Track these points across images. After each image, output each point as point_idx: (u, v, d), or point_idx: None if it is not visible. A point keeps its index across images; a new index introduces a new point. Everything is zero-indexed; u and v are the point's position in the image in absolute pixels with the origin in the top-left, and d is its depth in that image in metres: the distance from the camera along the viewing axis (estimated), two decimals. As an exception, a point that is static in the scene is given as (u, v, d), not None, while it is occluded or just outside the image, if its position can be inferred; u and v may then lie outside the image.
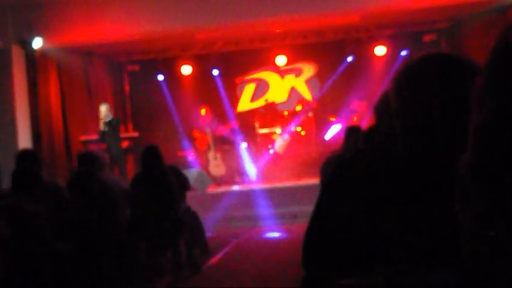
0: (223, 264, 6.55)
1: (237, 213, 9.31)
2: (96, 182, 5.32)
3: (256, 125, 11.67)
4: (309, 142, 11.49)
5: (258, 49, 11.87)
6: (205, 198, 9.56)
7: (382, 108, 1.97)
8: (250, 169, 11.30)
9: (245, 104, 12.66)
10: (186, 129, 11.90)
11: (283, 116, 11.70)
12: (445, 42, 11.42)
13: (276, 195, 9.56)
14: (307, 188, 8.77)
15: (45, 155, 9.01)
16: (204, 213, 7.46)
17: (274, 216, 9.13)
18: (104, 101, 10.14)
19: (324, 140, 11.40)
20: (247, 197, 9.72)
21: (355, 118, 11.14)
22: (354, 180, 1.61)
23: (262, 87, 12.55)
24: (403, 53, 11.37)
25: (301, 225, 2.67)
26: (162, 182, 5.80)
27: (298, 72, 12.50)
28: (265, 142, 11.57)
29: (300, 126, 11.53)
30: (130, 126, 11.99)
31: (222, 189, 10.52)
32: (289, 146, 11.40)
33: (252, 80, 12.61)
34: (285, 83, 12.55)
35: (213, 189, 10.52)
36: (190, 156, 11.76)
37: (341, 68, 11.88)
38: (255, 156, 11.53)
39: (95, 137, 9.68)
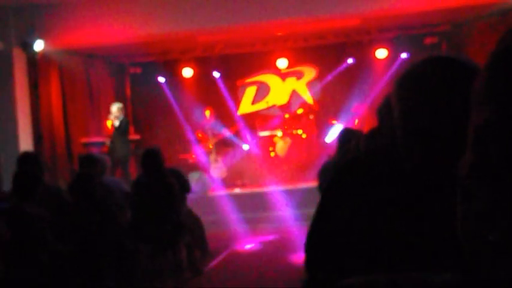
0: (224, 266, 6.55)
1: (238, 216, 9.31)
2: (97, 185, 5.32)
3: (258, 127, 11.67)
4: (310, 145, 11.49)
5: (259, 52, 11.89)
6: (206, 200, 9.55)
7: (384, 111, 1.97)
8: (250, 172, 11.30)
9: (246, 106, 12.66)
10: (187, 131, 11.89)
11: (284, 118, 11.70)
12: (446, 45, 11.42)
13: (277, 198, 9.56)
14: (308, 191, 8.77)
15: (47, 158, 9.02)
16: (205, 216, 7.45)
17: (275, 218, 9.13)
18: (105, 103, 10.16)
19: (325, 142, 11.39)
20: (248, 200, 9.72)
21: (356, 121, 11.13)
22: (355, 183, 1.61)
23: (263, 90, 12.55)
24: (404, 56, 11.37)
25: (302, 228, 2.67)
26: (163, 184, 5.80)
27: (299, 75, 12.50)
28: (267, 145, 11.57)
29: (301, 129, 11.53)
30: (131, 129, 11.99)
31: (223, 191, 10.51)
32: (290, 149, 11.40)
33: (253, 83, 12.61)
34: (286, 85, 12.55)
35: (214, 192, 10.52)
36: (192, 159, 11.77)
37: (342, 71, 11.88)
38: (256, 159, 11.53)
39: (96, 139, 9.69)
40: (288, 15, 9.21)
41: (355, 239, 1.08)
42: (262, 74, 12.55)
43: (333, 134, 11.34)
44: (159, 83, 12.02)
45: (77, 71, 10.36)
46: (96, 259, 4.77)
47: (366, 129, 6.74)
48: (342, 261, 1.08)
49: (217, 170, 11.30)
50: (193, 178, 10.11)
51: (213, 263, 6.66)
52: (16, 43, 8.96)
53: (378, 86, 11.22)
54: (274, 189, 10.08)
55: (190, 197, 6.82)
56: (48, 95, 9.63)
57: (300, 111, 11.79)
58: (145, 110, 12.20)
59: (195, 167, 11.42)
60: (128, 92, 12.30)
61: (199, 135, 11.62)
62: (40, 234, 4.23)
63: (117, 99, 11.66)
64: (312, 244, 1.69)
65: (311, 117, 11.63)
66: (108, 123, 9.40)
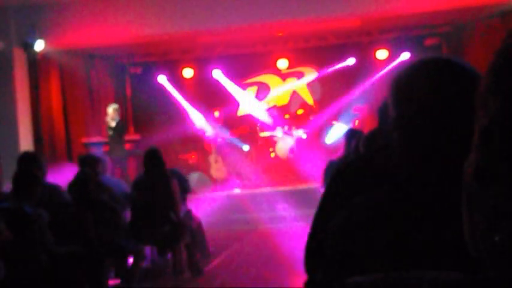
0: (223, 267, 6.55)
1: (238, 216, 9.31)
2: (97, 185, 5.33)
3: (258, 128, 11.67)
4: (310, 145, 11.49)
5: (260, 52, 11.88)
6: (206, 201, 9.55)
7: (384, 112, 1.97)
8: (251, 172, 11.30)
9: (247, 107, 12.65)
10: (188, 132, 11.88)
11: (284, 119, 11.70)
12: (446, 47, 11.42)
13: (277, 199, 9.56)
14: (308, 192, 8.78)
15: (47, 158, 9.02)
16: (205, 216, 7.46)
17: (275, 219, 9.13)
18: (106, 103, 10.15)
19: (325, 143, 11.40)
20: (248, 200, 9.72)
21: (356, 122, 11.14)
22: (354, 184, 1.61)
23: (263, 91, 12.55)
24: (405, 56, 11.38)
25: (302, 229, 2.67)
26: (163, 184, 5.80)
27: (299, 76, 12.50)
28: (267, 145, 11.57)
29: (301, 129, 11.52)
30: (131, 129, 11.99)
31: (223, 192, 10.51)
32: (290, 150, 11.40)
33: (254, 83, 12.61)
34: (286, 86, 12.55)
35: (213, 192, 10.52)
36: (192, 159, 11.77)
37: (342, 72, 11.88)
38: (256, 160, 11.53)
39: (96, 139, 9.69)
40: (288, 16, 9.21)
41: (355, 239, 1.07)
42: (262, 74, 12.55)
43: (333, 134, 11.34)
44: (159, 84, 12.02)
45: (78, 71, 10.35)
46: (95, 259, 4.77)
47: (366, 130, 6.74)
48: (341, 262, 1.08)
49: (217, 170, 11.30)
50: (193, 178, 10.11)
51: (213, 263, 6.66)
52: (16, 43, 8.96)
53: (378, 87, 11.21)
54: (274, 190, 10.08)
55: (190, 197, 6.82)
56: (49, 95, 9.63)
57: (300, 111, 11.79)
58: (146, 110, 12.19)
59: (195, 167, 11.42)
60: (128, 92, 12.30)
61: (207, 135, 11.60)
62: (39, 234, 4.23)
63: (118, 100, 11.65)
64: (312, 245, 1.69)
65: (311, 117, 11.63)
66: (107, 126, 9.40)
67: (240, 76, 12.40)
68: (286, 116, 11.75)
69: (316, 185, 7.65)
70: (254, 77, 12.55)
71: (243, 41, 11.30)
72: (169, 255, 6.13)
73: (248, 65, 12.18)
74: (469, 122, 0.65)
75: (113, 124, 9.31)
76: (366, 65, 11.68)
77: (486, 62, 0.65)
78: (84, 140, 9.86)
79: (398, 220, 1.02)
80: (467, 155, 0.63)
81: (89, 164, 5.84)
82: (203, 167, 11.35)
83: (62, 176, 5.91)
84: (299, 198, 9.11)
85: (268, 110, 11.96)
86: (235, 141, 11.70)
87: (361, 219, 1.08)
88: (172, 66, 12.05)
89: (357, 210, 1.11)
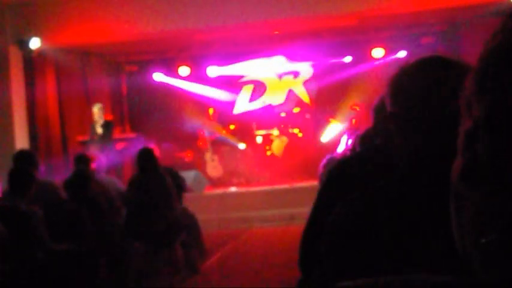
0: (220, 265, 6.55)
1: (234, 215, 9.31)
2: (93, 183, 5.32)
3: (254, 126, 11.67)
4: (306, 144, 11.50)
5: (256, 51, 11.87)
6: (202, 199, 9.55)
7: (379, 111, 1.97)
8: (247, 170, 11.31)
9: (243, 105, 12.65)
10: (184, 130, 11.88)
11: (280, 117, 11.70)
12: (442, 45, 11.43)
13: (273, 197, 9.56)
14: (304, 190, 8.78)
15: (42, 156, 8.99)
16: (201, 215, 7.45)
17: (271, 217, 9.13)
18: (101, 101, 10.12)
19: (321, 142, 11.41)
20: (244, 199, 9.72)
21: (353, 120, 11.15)
22: (350, 182, 1.61)
23: (259, 89, 12.55)
24: (401, 55, 11.39)
25: (298, 227, 2.67)
26: (159, 183, 5.80)
27: (295, 74, 12.50)
28: (263, 144, 11.57)
29: (297, 128, 11.53)
30: (127, 127, 11.97)
31: (219, 190, 10.51)
32: (287, 148, 11.41)
33: (250, 82, 12.61)
34: (282, 84, 12.55)
35: (210, 191, 10.51)
36: (188, 157, 11.76)
37: (339, 70, 11.88)
38: (252, 158, 11.53)
39: (92, 137, 9.65)
40: (284, 14, 9.20)
41: (351, 238, 1.07)
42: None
43: (329, 133, 11.35)
44: (155, 82, 12.01)
45: (73, 69, 10.33)
46: (91, 257, 4.76)
47: (362, 128, 6.75)
48: (336, 261, 1.08)
49: (213, 168, 11.29)
50: (189, 177, 10.10)
51: (210, 261, 6.66)
52: (12, 41, 8.93)
53: (374, 85, 11.22)
54: (270, 189, 10.08)
55: (186, 196, 6.81)
56: (44, 93, 9.60)
57: (296, 110, 11.79)
58: (141, 108, 12.17)
59: (191, 165, 11.41)
60: (124, 90, 12.28)
61: (201, 133, 11.60)
62: (35, 231, 4.22)
63: (113, 97, 11.64)
64: (306, 244, 1.69)
65: (307, 116, 11.64)
66: (96, 126, 9.34)
67: (236, 74, 12.39)
68: (283, 115, 11.75)
69: (312, 183, 7.66)
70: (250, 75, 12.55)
71: (239, 39, 11.29)
72: (165, 254, 6.13)
73: (244, 63, 12.17)
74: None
75: (100, 130, 9.24)
76: (362, 63, 11.69)
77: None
78: (80, 138, 9.84)
79: (393, 219, 1.02)
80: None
81: (84, 162, 5.83)
82: (199, 165, 11.34)
83: (57, 173, 5.91)
84: (295, 196, 9.11)
85: (264, 108, 11.96)
86: (231, 139, 11.70)
87: (357, 217, 1.08)
88: (168, 64, 12.03)
89: (353, 207, 1.11)
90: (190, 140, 11.84)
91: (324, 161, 5.61)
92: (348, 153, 4.45)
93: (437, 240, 0.92)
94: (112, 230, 5.28)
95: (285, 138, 11.43)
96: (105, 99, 10.73)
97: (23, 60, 9.09)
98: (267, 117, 11.80)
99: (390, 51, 11.47)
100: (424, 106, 1.08)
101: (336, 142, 8.18)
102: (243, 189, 10.44)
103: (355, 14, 9.56)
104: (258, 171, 11.35)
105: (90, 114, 9.68)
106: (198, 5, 9.06)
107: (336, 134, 10.88)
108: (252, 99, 12.60)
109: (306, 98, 12.40)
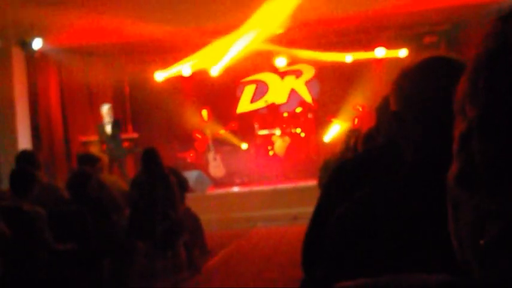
0: (222, 265, 6.55)
1: (237, 215, 9.31)
2: (95, 183, 5.32)
3: (256, 126, 11.67)
4: (308, 144, 11.49)
5: (258, 50, 11.85)
6: (205, 199, 9.55)
7: (382, 110, 1.97)
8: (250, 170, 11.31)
9: (245, 105, 12.65)
10: (185, 130, 11.88)
11: (282, 117, 11.70)
12: (445, 45, 11.41)
13: (276, 197, 9.56)
14: (307, 190, 8.78)
15: (45, 156, 9.01)
16: (204, 215, 7.45)
17: (273, 217, 9.13)
18: (104, 101, 10.14)
19: (324, 141, 11.40)
20: (246, 199, 9.72)
21: (355, 120, 11.14)
22: (351, 182, 1.61)
23: (262, 89, 12.55)
24: (403, 54, 11.37)
25: (301, 227, 2.67)
26: (162, 183, 5.80)
27: (298, 74, 12.50)
28: (265, 143, 11.57)
29: (299, 127, 11.52)
30: (130, 127, 11.99)
31: (222, 190, 10.51)
32: (289, 148, 11.40)
33: (252, 82, 12.61)
34: (284, 84, 12.55)
35: (212, 191, 10.52)
36: (190, 157, 11.77)
37: (341, 70, 11.86)
38: (255, 158, 11.53)
39: (94, 137, 9.68)
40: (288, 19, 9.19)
41: (353, 238, 1.07)
42: (261, 72, 12.53)
43: (331, 133, 11.35)
44: (157, 82, 12.01)
45: (76, 70, 10.34)
46: (94, 257, 4.77)
47: (365, 128, 6.74)
48: (339, 261, 1.08)
49: (215, 168, 11.30)
50: (191, 177, 10.11)
51: (212, 261, 6.66)
52: (15, 41, 8.95)
53: (377, 85, 11.21)
54: (273, 188, 10.08)
55: (188, 196, 6.81)
56: (47, 94, 9.62)
57: (298, 110, 11.78)
58: (144, 108, 12.18)
59: (194, 165, 11.41)
60: (127, 90, 12.29)
61: (197, 135, 11.62)
62: (38, 232, 4.23)
63: (116, 98, 11.65)
64: (309, 243, 1.69)
65: (310, 116, 11.63)
66: (104, 125, 9.38)
67: (238, 74, 12.39)
68: (285, 114, 11.74)
69: (315, 183, 7.65)
70: (252, 74, 12.54)
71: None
72: (168, 254, 6.13)
73: (247, 63, 12.16)
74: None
75: (110, 123, 9.29)
76: (365, 62, 11.67)
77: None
78: (82, 138, 9.86)
79: (394, 219, 1.02)
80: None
81: (87, 162, 5.84)
82: (202, 165, 11.35)
83: (59, 173, 5.91)
84: (298, 196, 9.11)
85: (267, 108, 11.96)
86: (233, 139, 11.70)
87: (358, 217, 1.08)
88: (171, 64, 12.02)
89: (355, 208, 1.10)
90: (193, 140, 11.85)
91: (322, 164, 5.60)
92: (349, 153, 4.45)
93: (437, 240, 0.92)
94: (115, 230, 5.28)
95: (287, 138, 11.43)
96: (107, 100, 10.74)
97: (26, 61, 9.10)
98: (269, 117, 11.79)
99: (393, 50, 11.45)
100: (426, 107, 1.08)
101: (337, 142, 8.18)
102: (245, 189, 10.44)
103: (358, 13, 9.54)
104: (260, 171, 11.35)
105: (92, 114, 9.70)
106: (200, 5, 9.06)
107: (338, 133, 10.88)
108: (254, 99, 12.60)
109: (308, 98, 12.40)
